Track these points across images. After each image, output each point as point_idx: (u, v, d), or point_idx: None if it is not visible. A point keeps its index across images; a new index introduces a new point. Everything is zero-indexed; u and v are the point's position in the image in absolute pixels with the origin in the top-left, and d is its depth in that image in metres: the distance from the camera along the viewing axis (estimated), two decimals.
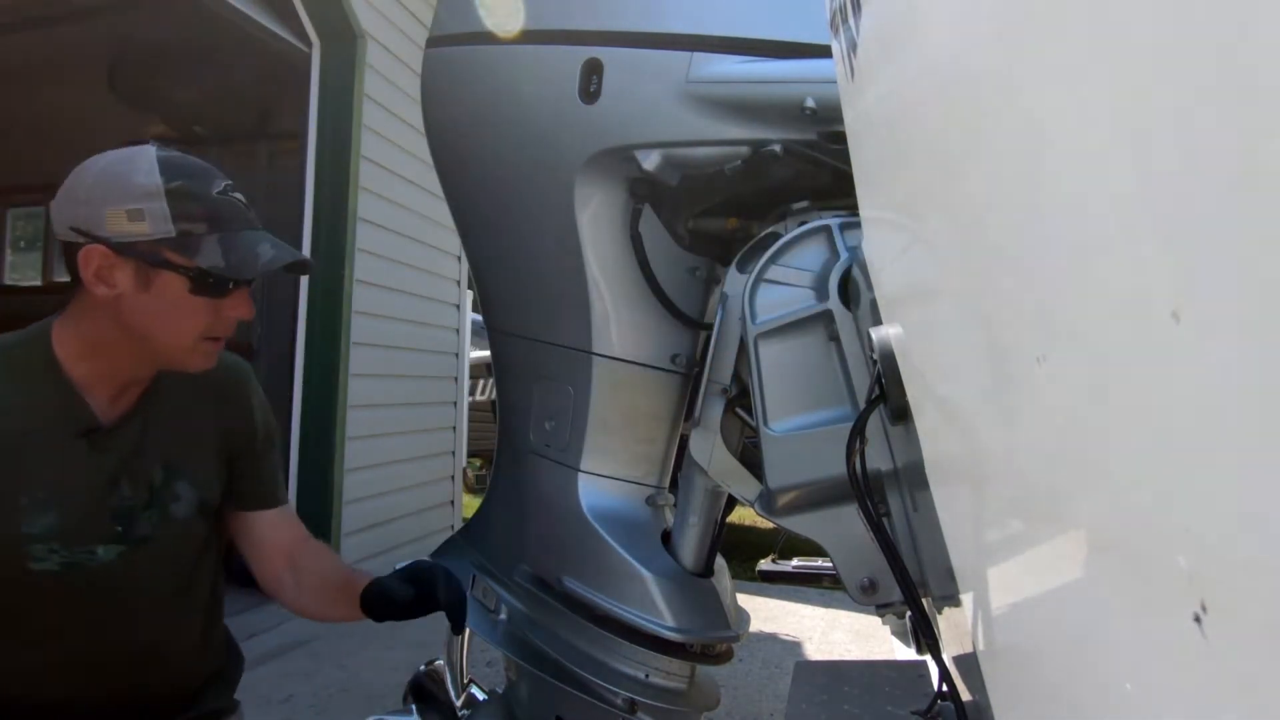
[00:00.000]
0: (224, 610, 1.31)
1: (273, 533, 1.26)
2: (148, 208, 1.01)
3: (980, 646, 0.56)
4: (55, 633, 1.08)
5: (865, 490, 0.86)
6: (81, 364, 1.07)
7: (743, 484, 1.11)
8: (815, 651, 3.83)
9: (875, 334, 0.76)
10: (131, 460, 1.10)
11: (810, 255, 1.03)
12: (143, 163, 1.03)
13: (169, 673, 1.18)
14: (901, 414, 0.74)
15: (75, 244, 1.02)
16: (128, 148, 1.07)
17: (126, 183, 1.02)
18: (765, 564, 4.42)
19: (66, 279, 1.10)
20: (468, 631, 1.42)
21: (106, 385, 1.08)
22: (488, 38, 1.18)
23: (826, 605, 4.43)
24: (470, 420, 5.73)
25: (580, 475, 1.23)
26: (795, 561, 4.39)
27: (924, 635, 0.84)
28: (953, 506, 0.60)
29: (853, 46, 0.68)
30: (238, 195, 1.08)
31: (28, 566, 1.02)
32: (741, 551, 4.79)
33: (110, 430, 1.09)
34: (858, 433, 0.85)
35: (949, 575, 0.65)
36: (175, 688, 1.19)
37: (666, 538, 1.23)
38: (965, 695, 0.74)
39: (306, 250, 4.18)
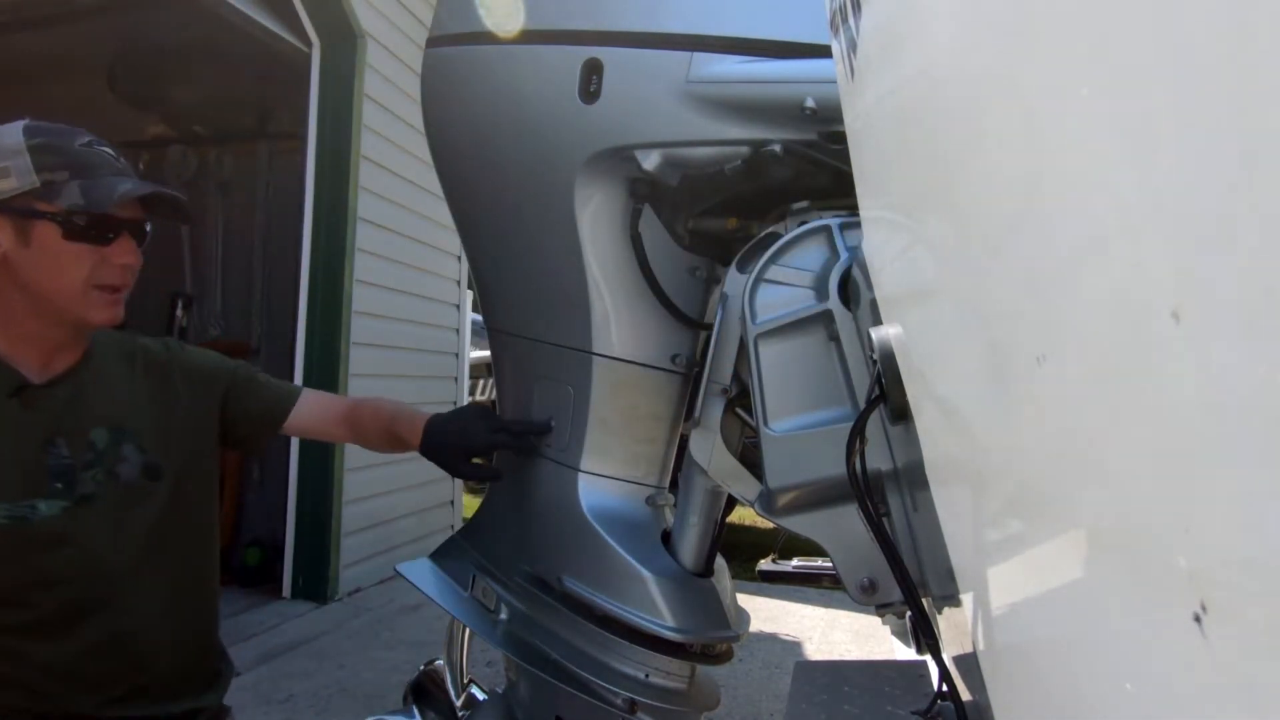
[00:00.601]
0: (216, 613, 1.33)
1: (314, 417, 1.39)
2: (13, 164, 1.08)
3: (980, 646, 0.56)
4: (21, 590, 1.11)
5: (865, 490, 0.86)
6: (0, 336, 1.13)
7: (743, 484, 1.11)
8: (815, 651, 3.83)
9: (875, 334, 0.76)
10: (66, 419, 1.14)
11: (810, 255, 1.03)
12: (9, 129, 1.12)
13: (144, 645, 1.19)
14: (901, 414, 0.74)
15: None
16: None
17: None
18: (765, 564, 4.43)
19: None
20: (468, 631, 1.42)
21: (30, 352, 1.14)
22: (487, 38, 1.18)
23: (826, 605, 4.43)
24: None
25: (580, 475, 1.23)
26: (795, 561, 4.39)
27: (924, 635, 0.84)
28: (953, 506, 0.60)
29: (853, 46, 0.68)
30: (106, 149, 1.16)
31: None
32: (741, 551, 4.79)
33: (41, 389, 1.14)
34: (858, 433, 0.85)
35: (949, 575, 0.65)
36: (153, 663, 1.20)
37: (666, 538, 1.23)
38: (965, 695, 0.74)
39: (306, 250, 4.19)
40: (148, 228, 1.18)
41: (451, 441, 1.30)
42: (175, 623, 1.24)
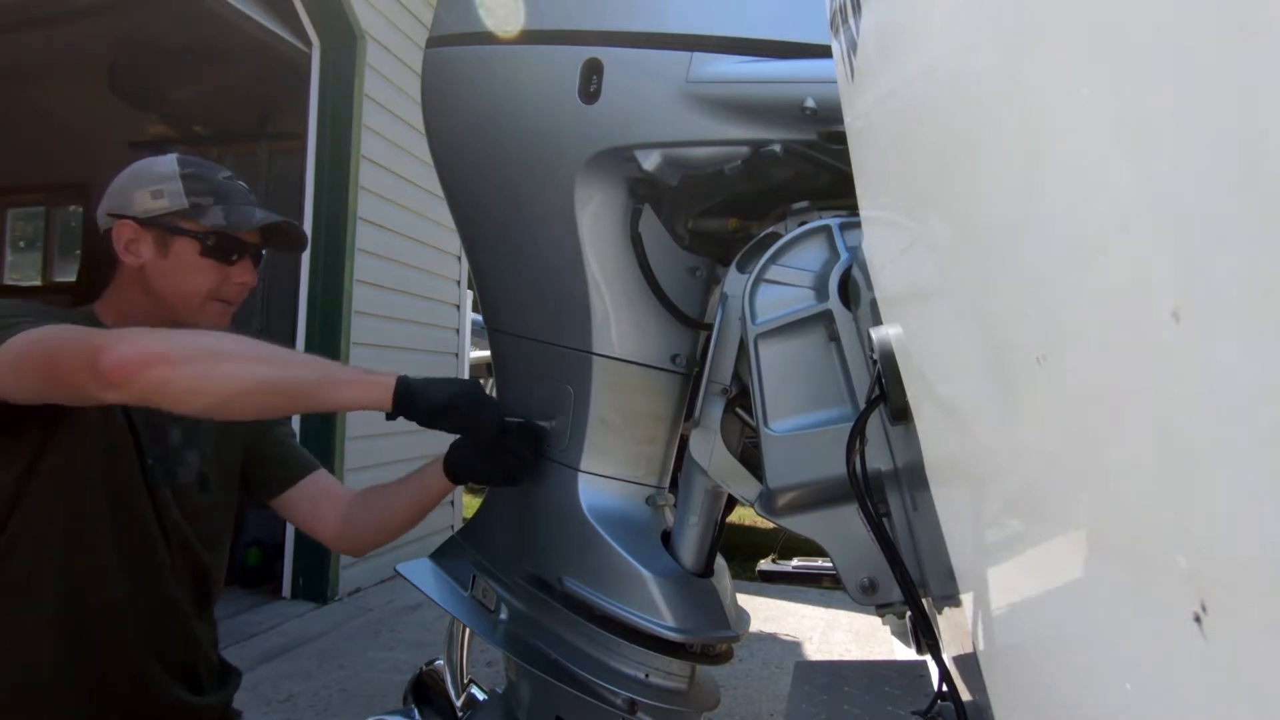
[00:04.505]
0: (213, 625, 1.39)
1: (324, 491, 1.42)
2: (166, 187, 1.25)
3: (980, 646, 0.56)
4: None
5: (865, 490, 0.86)
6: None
7: (743, 484, 1.11)
8: (815, 651, 3.84)
9: (875, 334, 0.76)
10: (156, 412, 1.23)
11: (810, 255, 1.03)
12: (164, 160, 1.30)
13: (177, 623, 1.28)
14: (901, 414, 0.74)
15: (110, 227, 1.25)
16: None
17: (150, 172, 1.28)
18: (765, 564, 4.42)
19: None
20: (468, 631, 1.42)
21: None
22: (488, 38, 1.18)
23: (826, 605, 4.43)
24: None
25: (580, 475, 1.22)
26: (795, 561, 4.39)
27: (924, 635, 0.84)
28: (953, 506, 0.60)
29: (853, 46, 0.68)
30: (240, 183, 1.33)
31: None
32: (741, 551, 4.79)
33: None
34: (858, 433, 0.85)
35: (949, 575, 0.65)
36: (179, 630, 1.28)
37: (666, 538, 1.23)
38: (965, 695, 0.74)
39: (306, 250, 4.19)
40: (263, 253, 1.34)
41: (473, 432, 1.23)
42: (200, 623, 1.31)
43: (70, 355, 1.01)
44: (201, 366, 1.04)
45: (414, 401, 1.12)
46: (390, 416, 1.13)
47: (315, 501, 1.40)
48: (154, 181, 1.25)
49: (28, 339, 1.02)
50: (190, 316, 1.26)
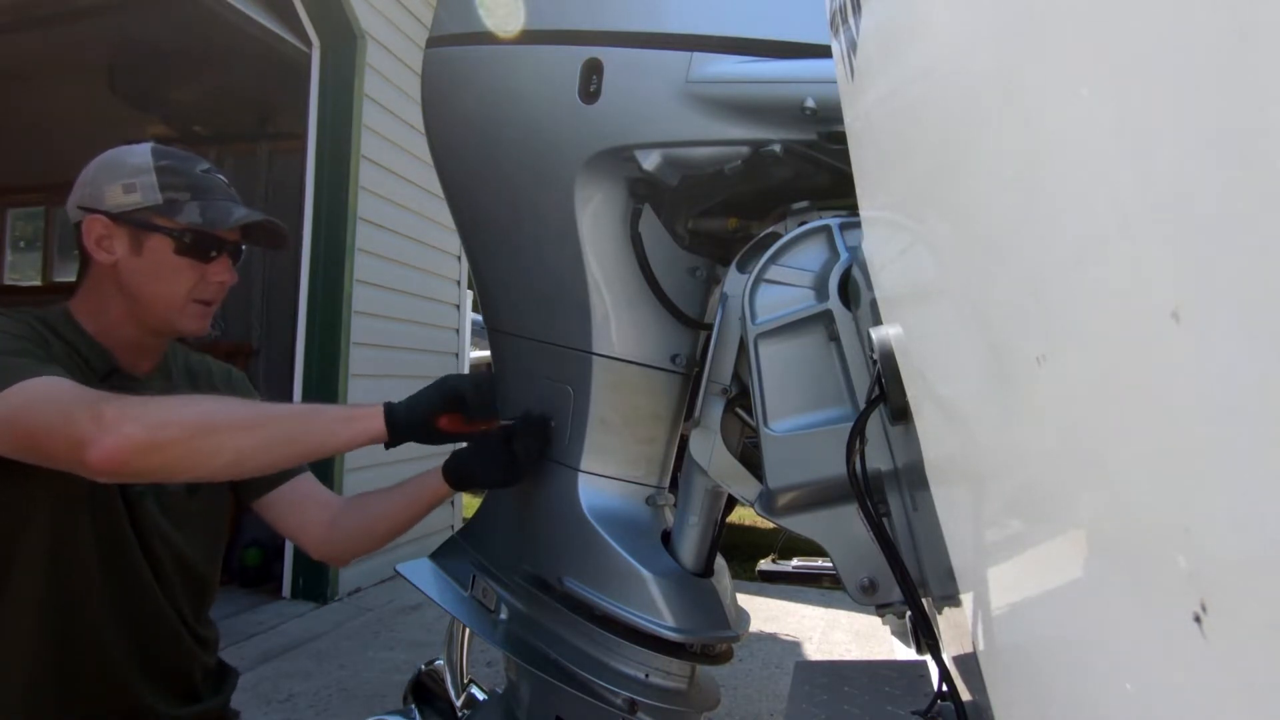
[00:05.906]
0: (213, 629, 1.39)
1: (309, 495, 1.39)
2: (139, 181, 1.18)
3: (980, 646, 0.56)
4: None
5: (865, 490, 0.86)
6: (93, 330, 1.21)
7: (743, 484, 1.11)
8: (815, 651, 3.84)
9: (875, 334, 0.76)
10: None
11: (810, 255, 1.03)
12: (137, 149, 1.23)
13: (168, 628, 1.26)
14: (901, 414, 0.74)
15: (80, 221, 1.19)
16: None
17: (123, 163, 1.21)
18: (765, 564, 4.42)
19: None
20: (468, 631, 1.42)
21: (119, 353, 1.22)
22: (487, 38, 1.18)
23: (826, 605, 4.43)
24: None
25: (580, 475, 1.22)
26: (795, 561, 4.39)
27: (924, 635, 0.84)
28: (953, 506, 0.60)
29: (853, 46, 0.68)
30: (220, 176, 1.27)
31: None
32: (741, 551, 4.80)
33: (129, 378, 1.22)
34: (858, 433, 0.85)
35: (949, 575, 0.65)
36: (171, 643, 1.27)
37: (666, 538, 1.23)
38: (965, 695, 0.74)
39: (306, 250, 4.19)
40: (243, 249, 1.29)
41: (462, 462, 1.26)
42: (196, 629, 1.31)
43: (54, 441, 0.97)
44: (190, 446, 1.00)
45: (400, 421, 1.15)
46: (389, 445, 1.15)
47: (300, 505, 1.37)
48: (127, 174, 1.19)
49: (5, 413, 0.97)
50: (170, 319, 1.22)
